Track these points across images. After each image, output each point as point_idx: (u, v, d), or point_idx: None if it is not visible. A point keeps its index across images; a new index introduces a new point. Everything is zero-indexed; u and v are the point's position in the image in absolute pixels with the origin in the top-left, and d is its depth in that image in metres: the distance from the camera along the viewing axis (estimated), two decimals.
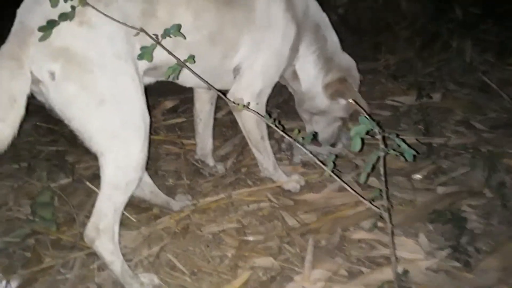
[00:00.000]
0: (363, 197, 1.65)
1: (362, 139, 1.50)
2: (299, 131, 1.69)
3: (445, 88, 3.34)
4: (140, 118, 1.78)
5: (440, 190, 2.40)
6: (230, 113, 3.25)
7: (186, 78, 2.10)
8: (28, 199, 2.27)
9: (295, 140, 1.67)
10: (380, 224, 2.19)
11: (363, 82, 3.03)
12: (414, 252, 2.01)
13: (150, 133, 1.86)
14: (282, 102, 3.41)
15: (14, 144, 2.77)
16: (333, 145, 2.78)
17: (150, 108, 2.64)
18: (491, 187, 2.32)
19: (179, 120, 3.17)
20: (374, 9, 4.63)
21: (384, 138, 1.47)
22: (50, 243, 2.07)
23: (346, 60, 2.57)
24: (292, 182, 2.48)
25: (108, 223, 1.79)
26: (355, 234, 2.16)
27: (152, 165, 2.64)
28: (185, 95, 3.32)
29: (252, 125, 2.27)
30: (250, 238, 2.15)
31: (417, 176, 2.53)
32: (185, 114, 3.23)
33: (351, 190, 1.66)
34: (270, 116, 1.75)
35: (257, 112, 1.87)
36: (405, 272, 1.78)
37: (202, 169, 2.65)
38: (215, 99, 2.57)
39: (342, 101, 2.54)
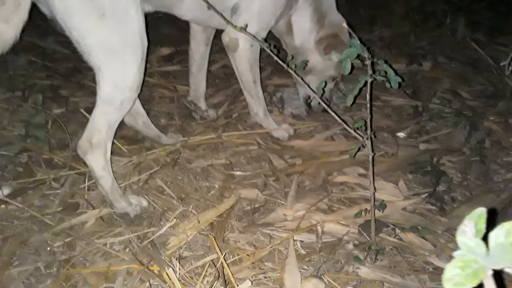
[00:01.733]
0: (347, 124, 1.72)
1: (352, 64, 1.57)
2: (292, 57, 1.74)
3: (436, 60, 3.43)
4: (139, 39, 1.82)
5: (422, 146, 2.49)
6: (224, 66, 3.31)
7: (184, 11, 2.14)
8: (22, 122, 2.30)
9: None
10: (361, 170, 2.30)
11: None
12: (393, 195, 2.10)
13: (144, 76, 1.91)
14: (275, 61, 3.45)
15: (9, 75, 2.84)
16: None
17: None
18: (471, 145, 2.42)
19: (174, 68, 3.21)
20: None
21: (372, 64, 1.54)
22: (42, 161, 2.12)
23: (340, 19, 2.60)
24: (281, 130, 2.55)
25: (101, 139, 1.84)
26: (338, 178, 2.24)
27: (145, 106, 2.68)
28: (181, 47, 3.36)
29: (245, 67, 2.32)
30: (237, 173, 2.23)
31: (401, 134, 2.62)
32: (180, 63, 3.26)
33: (336, 117, 1.72)
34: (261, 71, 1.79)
35: (254, 36, 1.90)
36: (383, 204, 1.86)
37: (194, 112, 2.70)
38: (210, 40, 2.60)
39: (334, 58, 2.60)
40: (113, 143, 2.25)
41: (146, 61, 1.90)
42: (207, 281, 1.54)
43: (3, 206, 1.83)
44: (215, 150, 2.38)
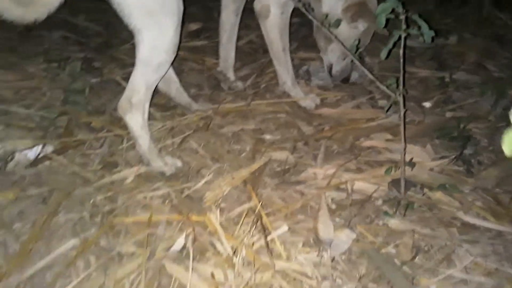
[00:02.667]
0: (378, 81, 1.77)
1: (387, 19, 1.62)
2: (326, 16, 1.79)
3: (461, 36, 3.44)
4: (176, 3, 1.90)
5: (449, 114, 2.53)
6: (250, 42, 3.38)
7: None
8: (61, 88, 2.40)
9: None
10: (389, 136, 2.34)
11: None
12: (420, 157, 2.14)
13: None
14: (301, 37, 3.51)
15: (45, 48, 2.94)
16: (348, 78, 2.86)
17: None
18: (497, 113, 2.45)
19: (201, 43, 3.29)
20: None
21: (406, 18, 1.59)
22: (81, 125, 2.21)
23: None
24: (308, 99, 2.61)
25: (140, 99, 1.92)
26: (366, 143, 2.29)
27: None
28: (208, 23, 3.44)
29: (276, 34, 2.38)
30: (267, 137, 2.29)
31: (427, 104, 2.66)
32: (207, 39, 3.33)
33: (368, 73, 1.77)
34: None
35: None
36: (412, 163, 1.91)
37: (223, 83, 2.77)
38: (240, 10, 2.65)
39: (360, 27, 2.63)
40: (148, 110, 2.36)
41: (182, 26, 1.98)
42: (245, 228, 1.61)
43: (47, 162, 1.92)
44: (245, 117, 2.45)
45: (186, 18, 3.39)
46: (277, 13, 2.32)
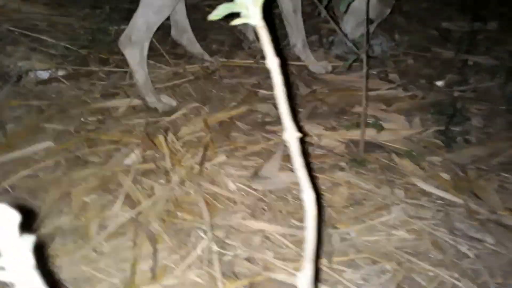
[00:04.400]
0: (342, 32, 1.81)
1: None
2: None
3: (504, 23, 3.25)
4: None
5: (456, 94, 2.46)
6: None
7: None
8: (90, 28, 2.68)
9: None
10: (383, 106, 2.35)
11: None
12: (400, 126, 2.14)
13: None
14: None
15: None
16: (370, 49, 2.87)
17: None
18: (505, 96, 2.35)
19: None
20: None
21: None
22: (99, 59, 2.48)
23: None
24: (318, 65, 2.67)
25: (139, 37, 2.13)
26: (356, 109, 2.32)
27: (202, 32, 2.96)
28: None
29: None
30: (262, 91, 2.40)
31: (440, 82, 2.60)
32: None
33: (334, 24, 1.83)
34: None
35: None
36: (378, 124, 1.94)
37: (244, 43, 2.91)
38: None
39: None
40: (162, 55, 2.59)
41: None
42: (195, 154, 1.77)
43: (55, 83, 2.21)
44: (249, 73, 2.57)
45: None
46: None
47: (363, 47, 1.79)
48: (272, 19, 2.85)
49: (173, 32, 2.54)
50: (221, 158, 1.74)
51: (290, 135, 0.74)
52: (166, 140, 1.80)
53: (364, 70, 1.80)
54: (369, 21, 2.70)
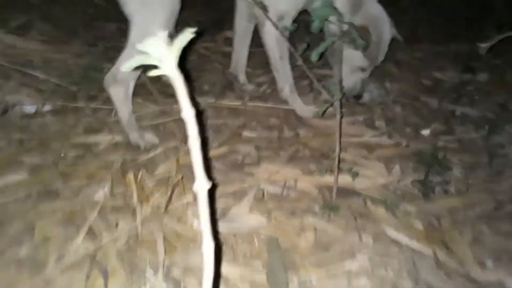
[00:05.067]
0: (319, 81, 1.84)
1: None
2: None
3: (495, 74, 3.27)
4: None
5: (441, 144, 2.46)
6: None
7: None
8: (83, 67, 2.76)
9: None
10: (365, 153, 2.35)
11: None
12: (379, 174, 2.14)
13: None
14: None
15: (99, 35, 3.35)
16: (359, 96, 2.88)
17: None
18: (488, 148, 2.34)
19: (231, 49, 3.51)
20: None
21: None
22: (87, 96, 2.53)
23: (376, 11, 2.60)
24: (306, 109, 2.69)
25: (124, 77, 2.18)
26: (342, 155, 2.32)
27: (196, 73, 3.03)
28: None
29: (272, 42, 2.51)
30: (246, 133, 2.41)
31: (425, 132, 2.60)
32: None
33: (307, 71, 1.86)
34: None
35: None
36: (353, 172, 1.93)
37: (234, 84, 2.96)
38: (253, 17, 2.83)
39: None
40: (152, 94, 2.64)
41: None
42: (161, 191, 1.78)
43: (40, 118, 2.26)
44: (236, 114, 2.60)
45: (225, 26, 3.73)
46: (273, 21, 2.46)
47: (336, 95, 1.81)
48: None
49: None
50: (190, 197, 1.74)
51: (200, 185, 0.75)
52: (136, 178, 1.81)
53: (338, 117, 1.82)
54: (359, 70, 2.77)
